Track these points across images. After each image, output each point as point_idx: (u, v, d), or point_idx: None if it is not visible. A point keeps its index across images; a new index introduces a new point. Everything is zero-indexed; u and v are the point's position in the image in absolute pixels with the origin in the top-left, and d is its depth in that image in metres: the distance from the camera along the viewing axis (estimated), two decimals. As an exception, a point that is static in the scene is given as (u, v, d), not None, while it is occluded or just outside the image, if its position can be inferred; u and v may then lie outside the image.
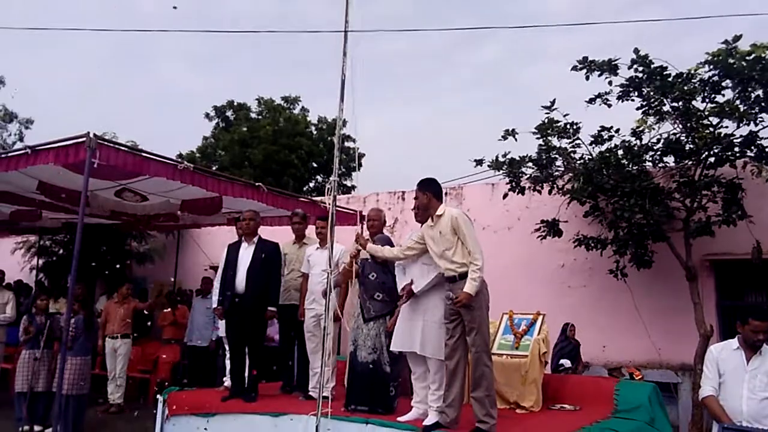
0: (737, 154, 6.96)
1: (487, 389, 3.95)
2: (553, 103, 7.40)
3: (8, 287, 9.05)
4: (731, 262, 7.61)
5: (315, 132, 19.93)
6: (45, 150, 5.53)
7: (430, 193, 4.28)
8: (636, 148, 7.24)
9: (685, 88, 6.70)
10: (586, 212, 7.75)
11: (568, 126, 7.44)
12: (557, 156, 7.67)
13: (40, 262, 12.33)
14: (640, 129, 7.22)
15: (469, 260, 4.01)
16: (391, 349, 4.48)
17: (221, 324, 5.80)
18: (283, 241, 5.96)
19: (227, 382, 5.63)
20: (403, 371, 4.79)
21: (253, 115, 20.33)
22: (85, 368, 6.55)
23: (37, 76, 42.32)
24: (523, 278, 8.53)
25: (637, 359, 7.89)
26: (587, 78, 7.23)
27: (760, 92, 6.48)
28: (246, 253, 5.38)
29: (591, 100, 7.37)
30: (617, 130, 7.39)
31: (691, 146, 7.04)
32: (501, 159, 7.78)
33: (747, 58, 6.38)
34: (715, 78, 6.68)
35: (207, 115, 20.92)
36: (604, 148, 7.40)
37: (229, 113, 20.87)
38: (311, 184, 19.77)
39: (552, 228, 7.89)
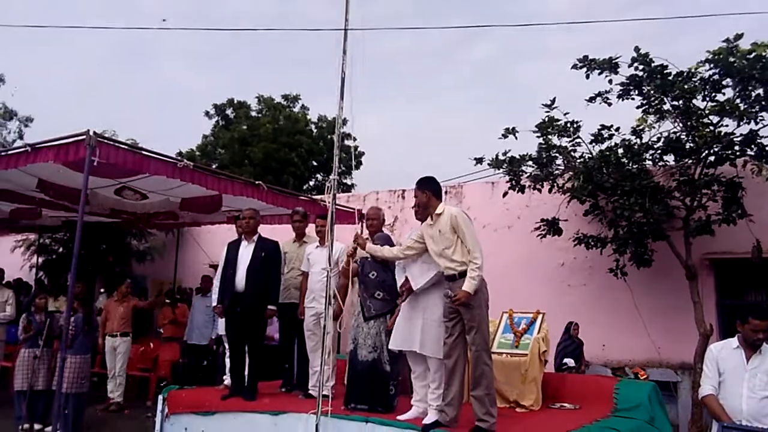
0: (737, 153, 6.95)
1: (486, 388, 3.95)
2: (553, 101, 7.40)
3: (8, 285, 9.05)
4: (731, 261, 7.61)
5: (315, 130, 19.94)
6: (45, 148, 5.53)
7: (429, 191, 4.27)
8: (636, 147, 7.24)
9: (686, 86, 6.69)
10: (586, 211, 7.75)
11: (569, 124, 7.43)
12: (557, 154, 7.67)
13: (40, 260, 12.35)
14: (641, 127, 7.22)
15: (468, 259, 4.00)
16: (390, 347, 4.47)
17: (221, 322, 5.80)
18: (283, 239, 5.95)
19: (227, 380, 5.63)
20: (403, 370, 4.79)
21: (253, 114, 20.34)
22: (84, 366, 6.55)
23: (37, 74, 42.34)
24: (523, 277, 8.53)
25: (637, 358, 7.89)
26: (587, 76, 7.24)
27: (760, 91, 6.48)
28: (246, 252, 5.37)
29: (591, 99, 7.37)
30: (617, 129, 7.40)
31: (692, 145, 7.03)
32: (501, 157, 7.78)
33: (747, 56, 6.37)
34: (716, 76, 6.68)
35: (207, 113, 20.96)
36: (604, 146, 7.40)
37: (229, 111, 20.89)
38: (311, 183, 19.79)
39: (552, 226, 7.89)
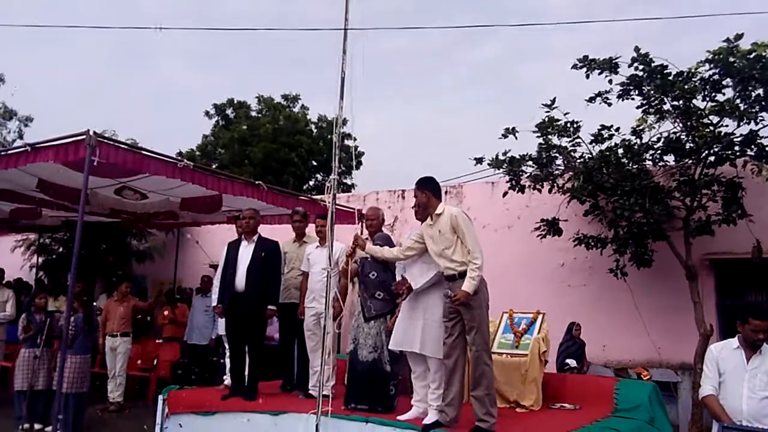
0: (737, 153, 6.96)
1: (487, 388, 3.95)
2: (553, 101, 7.40)
3: (8, 285, 9.04)
4: (731, 261, 7.61)
5: (315, 130, 19.94)
6: (45, 148, 5.53)
7: (428, 191, 4.26)
8: (636, 147, 7.24)
9: (686, 86, 6.69)
10: (586, 211, 7.75)
11: (569, 124, 7.43)
12: (557, 154, 7.66)
13: (40, 260, 12.35)
14: (641, 128, 7.22)
15: (468, 259, 4.00)
16: (390, 347, 4.46)
17: (221, 322, 5.80)
18: (283, 239, 5.95)
19: (227, 380, 5.63)
20: (403, 370, 4.79)
21: (253, 113, 20.35)
22: (84, 366, 6.55)
23: (37, 74, 42.36)
24: (523, 277, 8.53)
25: (637, 358, 7.89)
26: (587, 76, 7.24)
27: (760, 91, 6.48)
28: (246, 252, 5.37)
29: (591, 99, 7.37)
30: (617, 129, 7.40)
31: (692, 145, 7.03)
32: (501, 157, 7.78)
33: (748, 56, 6.37)
34: (716, 77, 6.68)
35: (207, 113, 20.96)
36: (604, 146, 7.40)
37: (229, 111, 20.89)
38: (311, 183, 19.79)
39: (552, 227, 7.89)
